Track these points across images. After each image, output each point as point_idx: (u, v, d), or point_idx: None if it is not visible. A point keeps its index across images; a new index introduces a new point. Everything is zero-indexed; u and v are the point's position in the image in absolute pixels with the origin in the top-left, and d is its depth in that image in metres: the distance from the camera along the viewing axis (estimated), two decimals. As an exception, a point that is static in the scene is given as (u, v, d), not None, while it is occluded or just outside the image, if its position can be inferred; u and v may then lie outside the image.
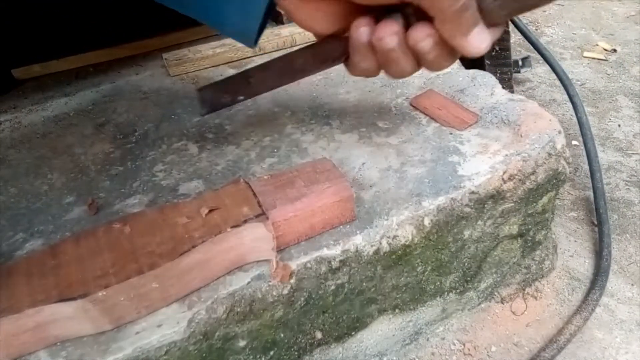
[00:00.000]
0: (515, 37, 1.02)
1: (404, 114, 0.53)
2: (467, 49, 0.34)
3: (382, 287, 0.45)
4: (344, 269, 0.41)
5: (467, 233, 0.47)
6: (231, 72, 0.65)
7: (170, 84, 0.63)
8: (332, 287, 0.42)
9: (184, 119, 0.55)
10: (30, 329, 0.33)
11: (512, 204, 0.48)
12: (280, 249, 0.39)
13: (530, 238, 0.53)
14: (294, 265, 0.39)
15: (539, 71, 1.01)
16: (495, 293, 0.56)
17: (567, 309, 0.57)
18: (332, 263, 0.40)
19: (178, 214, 0.38)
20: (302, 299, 0.40)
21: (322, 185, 0.40)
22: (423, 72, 0.53)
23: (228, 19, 0.38)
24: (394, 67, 0.37)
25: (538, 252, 0.56)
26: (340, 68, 0.42)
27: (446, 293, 0.51)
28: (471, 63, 0.61)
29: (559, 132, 0.48)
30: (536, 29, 1.17)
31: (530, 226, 0.52)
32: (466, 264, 0.50)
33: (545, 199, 0.50)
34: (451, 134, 0.50)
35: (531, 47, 0.84)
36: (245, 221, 0.36)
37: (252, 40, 0.38)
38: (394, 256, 0.43)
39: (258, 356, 0.41)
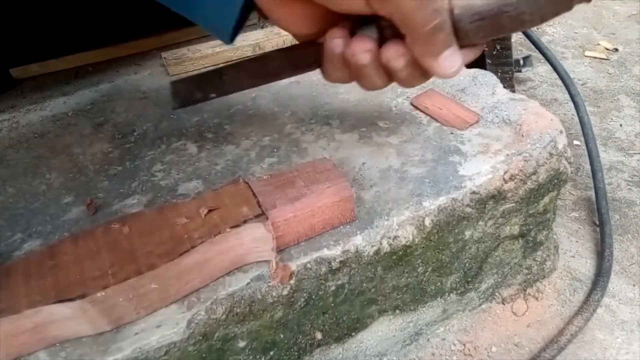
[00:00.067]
0: (516, 36, 1.01)
1: (404, 114, 0.53)
2: (437, 71, 0.33)
3: (383, 288, 0.45)
4: (344, 270, 0.41)
5: (468, 233, 0.47)
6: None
7: (169, 83, 0.62)
8: (332, 288, 0.42)
9: (183, 118, 0.55)
10: (29, 329, 0.33)
11: (514, 204, 0.48)
12: (280, 250, 0.39)
13: (531, 238, 0.53)
14: (293, 265, 0.39)
15: (540, 70, 1.00)
16: (496, 294, 0.56)
17: (569, 310, 0.57)
18: (332, 264, 0.40)
19: (177, 214, 0.38)
20: (302, 299, 0.40)
21: (322, 185, 0.39)
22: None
23: (206, 14, 0.38)
24: (365, 81, 0.36)
25: (539, 253, 0.56)
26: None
27: (447, 294, 0.51)
28: (472, 62, 0.61)
29: (561, 132, 0.48)
30: (537, 28, 1.17)
31: (531, 226, 0.52)
32: (467, 265, 0.50)
33: (546, 199, 0.50)
34: (452, 133, 0.49)
35: (532, 46, 0.84)
36: (244, 221, 0.36)
37: (228, 36, 0.38)
38: (394, 257, 0.43)
39: (258, 357, 0.41)
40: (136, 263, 0.34)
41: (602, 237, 0.63)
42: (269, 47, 0.68)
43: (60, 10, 0.68)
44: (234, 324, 0.38)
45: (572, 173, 0.74)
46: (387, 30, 0.33)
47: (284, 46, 0.68)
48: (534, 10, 0.31)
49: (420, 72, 0.34)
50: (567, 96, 0.78)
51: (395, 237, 0.42)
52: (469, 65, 0.60)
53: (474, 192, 0.44)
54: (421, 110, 0.53)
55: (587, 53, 1.05)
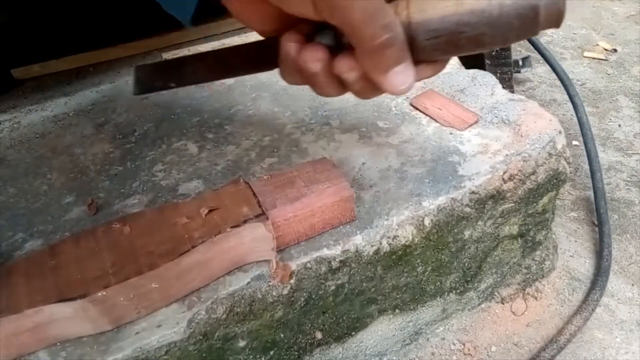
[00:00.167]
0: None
1: (404, 114, 0.53)
2: (385, 88, 0.31)
3: (382, 287, 0.45)
4: (344, 269, 0.41)
5: (467, 233, 0.47)
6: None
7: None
8: (332, 288, 0.42)
9: (183, 118, 0.55)
10: (30, 329, 0.33)
11: (513, 204, 0.48)
12: (280, 249, 0.39)
13: (530, 238, 0.53)
14: (293, 265, 0.39)
15: (539, 71, 1.01)
16: (496, 293, 0.56)
17: (568, 309, 0.57)
18: (332, 263, 0.40)
19: (178, 214, 0.38)
20: (302, 299, 0.40)
21: (322, 185, 0.40)
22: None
23: None
24: (317, 89, 0.35)
25: (538, 252, 0.56)
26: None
27: (446, 293, 0.51)
28: (471, 63, 0.61)
29: (560, 132, 0.48)
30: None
31: (530, 226, 0.52)
32: (466, 264, 0.50)
33: (545, 199, 0.50)
34: (451, 133, 0.50)
35: (531, 47, 0.84)
36: (245, 221, 0.36)
37: (189, 20, 0.37)
38: (394, 256, 0.43)
39: (258, 356, 0.41)
40: (137, 263, 0.34)
41: (600, 236, 0.63)
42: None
43: (61, 11, 0.68)
44: (234, 324, 0.38)
45: (571, 173, 0.74)
46: (344, 38, 0.31)
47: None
48: (495, 32, 0.30)
49: (373, 86, 0.32)
50: (566, 97, 0.78)
51: (394, 237, 0.42)
52: (468, 66, 0.60)
53: (473, 192, 0.44)
54: (421, 111, 0.53)
55: (586, 54, 1.05)
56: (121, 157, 0.50)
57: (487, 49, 0.32)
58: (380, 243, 0.42)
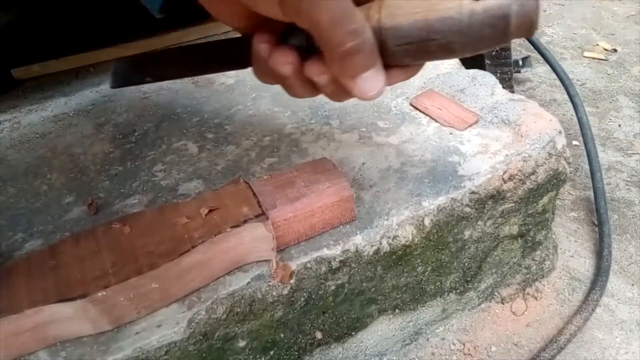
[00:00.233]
0: (515, 36, 1.01)
1: (404, 114, 0.53)
2: (354, 93, 0.31)
3: (382, 287, 0.45)
4: (344, 269, 0.41)
5: (467, 233, 0.47)
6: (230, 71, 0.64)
7: (170, 83, 0.62)
8: (332, 288, 0.42)
9: (183, 118, 0.55)
10: (30, 329, 0.33)
11: (513, 204, 0.48)
12: (280, 249, 0.39)
13: (530, 238, 0.53)
14: (294, 265, 0.39)
15: (539, 71, 1.01)
16: (496, 293, 0.56)
17: (568, 309, 0.57)
18: (332, 263, 0.40)
19: (178, 214, 0.38)
20: (302, 299, 0.40)
21: (322, 185, 0.40)
22: (423, 72, 0.53)
23: None
24: (290, 91, 0.34)
25: (538, 252, 0.56)
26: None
27: (446, 293, 0.51)
28: (471, 63, 0.61)
29: (560, 132, 0.48)
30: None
31: (530, 226, 0.52)
32: (466, 264, 0.50)
33: (545, 199, 0.50)
34: (451, 133, 0.50)
35: (531, 47, 0.84)
36: (245, 221, 0.36)
37: (157, 9, 0.37)
38: (394, 256, 0.43)
39: (258, 356, 0.41)
40: (137, 263, 0.34)
41: (600, 236, 0.63)
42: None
43: (61, 10, 0.68)
44: (234, 324, 0.38)
45: (571, 173, 0.74)
46: (315, 41, 0.31)
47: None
48: (465, 40, 0.29)
49: (344, 89, 0.32)
50: (566, 97, 0.78)
51: (394, 237, 0.42)
52: (468, 66, 0.60)
53: (473, 192, 0.44)
54: (420, 111, 0.53)
55: (586, 54, 1.05)
56: (121, 157, 0.50)
57: (458, 56, 0.31)
58: (380, 243, 0.42)
